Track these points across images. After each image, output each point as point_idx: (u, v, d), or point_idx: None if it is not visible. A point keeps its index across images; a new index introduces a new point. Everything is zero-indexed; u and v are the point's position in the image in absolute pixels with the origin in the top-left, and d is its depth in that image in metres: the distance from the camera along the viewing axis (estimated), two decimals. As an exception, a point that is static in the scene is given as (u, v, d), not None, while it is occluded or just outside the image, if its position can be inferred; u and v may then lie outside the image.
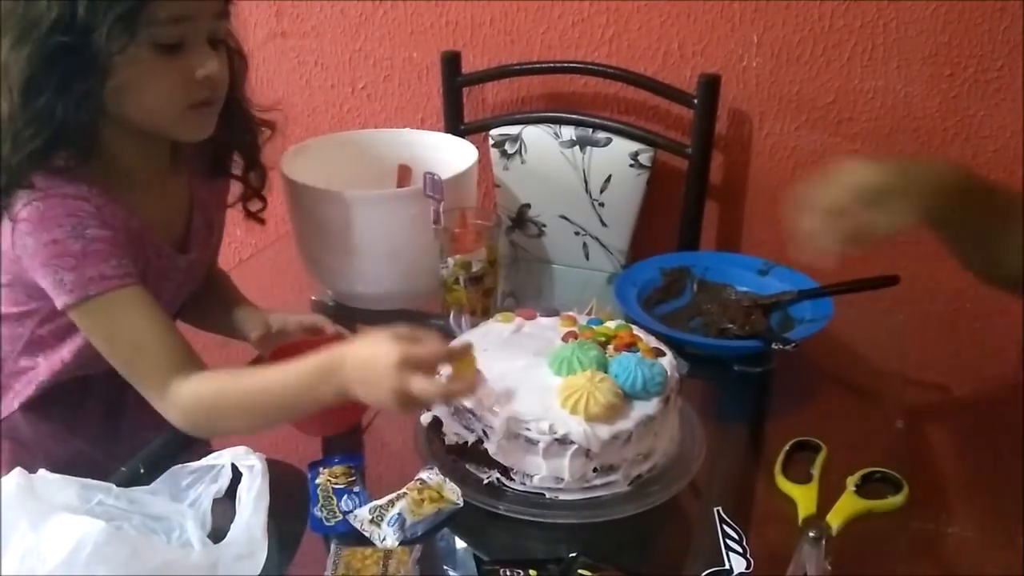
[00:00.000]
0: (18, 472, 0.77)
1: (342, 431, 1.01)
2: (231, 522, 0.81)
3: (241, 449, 0.87)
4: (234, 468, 0.87)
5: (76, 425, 1.10)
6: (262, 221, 1.17)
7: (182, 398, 0.90)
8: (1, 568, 0.70)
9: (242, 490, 0.83)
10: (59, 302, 0.91)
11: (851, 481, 0.90)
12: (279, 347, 1.05)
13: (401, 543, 0.82)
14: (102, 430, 1.10)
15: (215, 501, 0.86)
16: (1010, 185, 0.93)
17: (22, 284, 0.98)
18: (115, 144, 0.95)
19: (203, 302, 1.17)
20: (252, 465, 0.84)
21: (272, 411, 0.91)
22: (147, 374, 0.92)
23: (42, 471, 0.81)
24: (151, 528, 0.83)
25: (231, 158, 1.11)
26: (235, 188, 1.15)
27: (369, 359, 0.83)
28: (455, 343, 0.90)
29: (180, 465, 0.88)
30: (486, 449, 0.87)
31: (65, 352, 1.04)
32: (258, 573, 0.78)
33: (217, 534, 0.82)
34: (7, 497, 0.73)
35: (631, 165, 1.46)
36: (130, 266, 0.93)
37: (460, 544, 0.86)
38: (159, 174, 1.04)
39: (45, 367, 1.06)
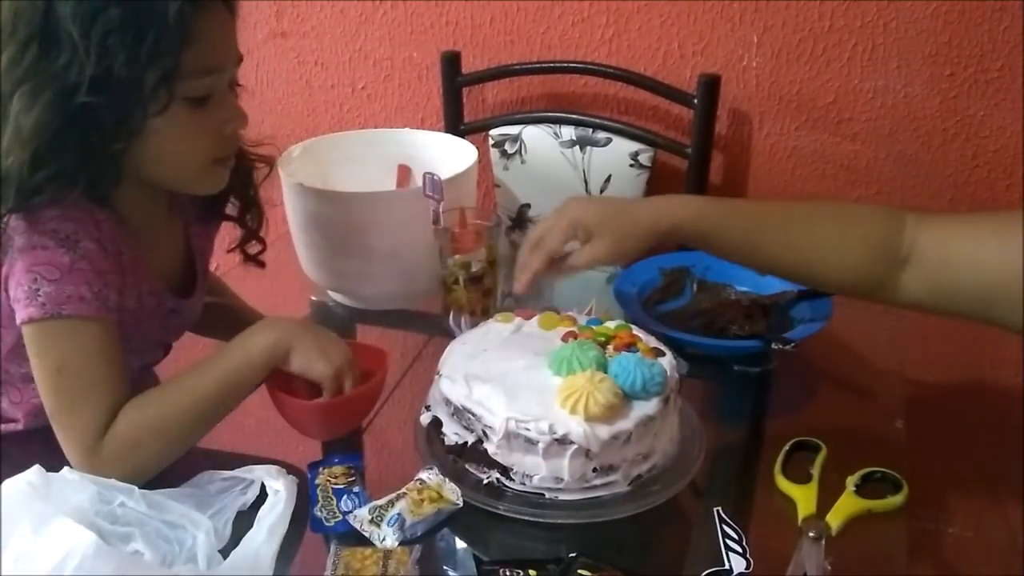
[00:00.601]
0: (36, 470, 0.76)
1: (343, 435, 1.00)
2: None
3: (274, 468, 0.86)
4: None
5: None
6: (262, 264, 1.14)
7: (115, 438, 0.84)
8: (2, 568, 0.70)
9: (262, 513, 0.82)
10: (23, 314, 0.84)
11: (851, 481, 0.90)
12: None
13: (401, 543, 0.82)
14: None
15: (240, 514, 0.85)
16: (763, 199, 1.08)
17: None
18: (117, 194, 0.90)
19: (207, 311, 1.17)
20: (278, 490, 0.83)
21: (211, 392, 0.88)
22: (86, 419, 0.84)
23: (65, 470, 0.80)
24: (165, 536, 0.81)
25: (227, 201, 1.07)
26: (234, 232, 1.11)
27: (319, 329, 0.95)
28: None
29: (212, 471, 0.87)
30: (486, 449, 0.87)
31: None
32: None
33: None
34: (15, 496, 0.73)
35: (631, 165, 1.46)
36: (111, 297, 0.87)
37: (460, 544, 0.86)
38: (155, 222, 0.99)
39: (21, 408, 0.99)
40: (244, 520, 0.84)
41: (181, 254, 1.05)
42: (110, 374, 0.86)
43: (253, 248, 1.12)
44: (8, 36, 0.81)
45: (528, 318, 1.02)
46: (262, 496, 0.85)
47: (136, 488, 0.82)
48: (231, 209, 1.08)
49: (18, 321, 0.85)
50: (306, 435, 0.99)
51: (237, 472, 0.87)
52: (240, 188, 1.05)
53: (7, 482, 0.75)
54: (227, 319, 1.16)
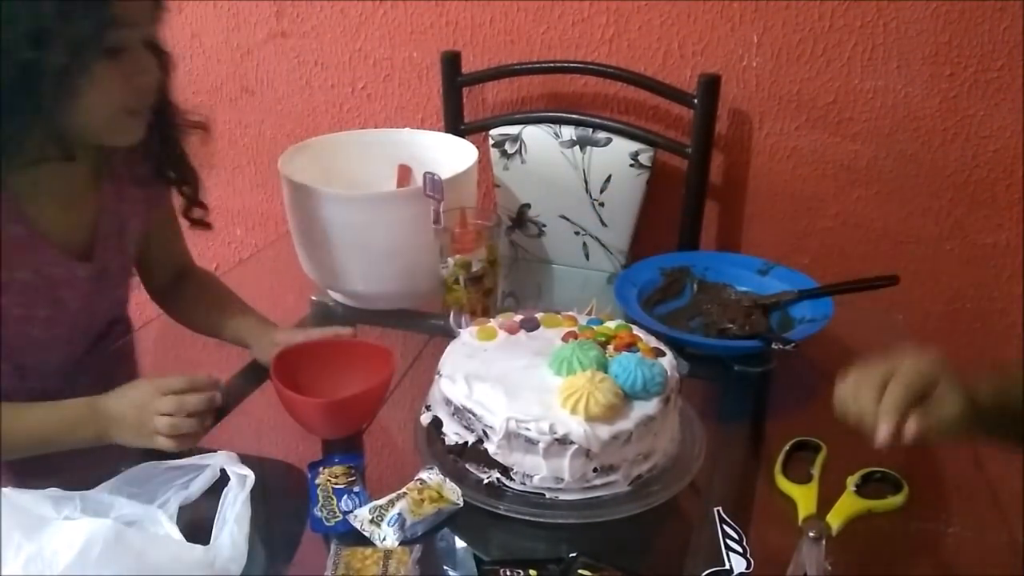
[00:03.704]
0: None
1: (350, 433, 1.00)
2: (203, 521, 0.81)
3: (234, 455, 0.86)
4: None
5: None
6: (208, 226, 1.16)
7: None
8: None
9: (227, 499, 0.81)
10: None
11: (851, 481, 0.91)
12: (281, 353, 1.04)
13: (401, 543, 0.82)
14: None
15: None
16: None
17: None
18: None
19: (196, 304, 1.17)
20: (244, 475, 0.83)
21: (24, 447, 0.91)
22: None
23: (6, 490, 0.79)
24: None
25: (161, 164, 1.08)
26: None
27: (126, 391, 0.93)
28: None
29: (153, 463, 0.87)
30: (486, 449, 0.88)
31: None
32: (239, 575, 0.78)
33: (185, 532, 0.82)
34: None
35: (631, 165, 1.46)
36: None
37: (460, 544, 0.86)
38: (66, 181, 1.01)
39: None
40: (190, 508, 0.85)
41: (90, 216, 1.05)
42: None
43: (197, 212, 1.14)
44: None
45: (529, 320, 1.02)
46: (215, 484, 0.85)
47: (79, 495, 0.82)
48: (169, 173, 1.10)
49: None
50: (313, 433, 0.99)
51: (188, 460, 0.87)
52: (171, 153, 1.07)
53: None
54: (225, 320, 1.16)
